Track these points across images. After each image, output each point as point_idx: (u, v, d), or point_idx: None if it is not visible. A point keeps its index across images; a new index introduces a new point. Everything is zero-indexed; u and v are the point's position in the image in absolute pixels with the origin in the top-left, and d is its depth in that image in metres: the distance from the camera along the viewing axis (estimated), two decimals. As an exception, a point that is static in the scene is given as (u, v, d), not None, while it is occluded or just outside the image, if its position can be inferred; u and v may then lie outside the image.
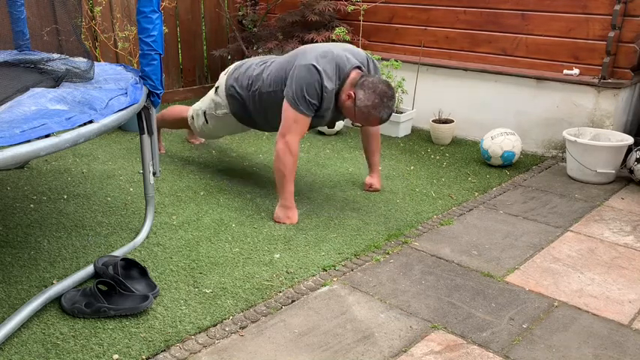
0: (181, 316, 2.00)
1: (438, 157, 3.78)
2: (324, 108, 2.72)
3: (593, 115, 3.64)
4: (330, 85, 2.65)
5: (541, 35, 3.81)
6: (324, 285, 2.24)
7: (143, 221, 2.62)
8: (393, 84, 4.08)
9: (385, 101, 2.64)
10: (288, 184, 2.73)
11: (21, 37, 3.08)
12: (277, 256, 2.44)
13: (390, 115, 2.70)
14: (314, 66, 2.63)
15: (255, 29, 4.90)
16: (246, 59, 3.12)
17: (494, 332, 1.97)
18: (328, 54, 2.68)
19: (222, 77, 3.12)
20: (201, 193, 3.07)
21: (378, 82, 2.64)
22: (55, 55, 2.76)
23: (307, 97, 2.63)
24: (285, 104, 2.69)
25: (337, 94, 2.72)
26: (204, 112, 3.23)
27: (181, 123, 3.51)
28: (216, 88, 3.13)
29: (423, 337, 1.94)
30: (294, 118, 2.67)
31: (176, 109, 3.52)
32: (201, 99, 3.31)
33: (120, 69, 2.73)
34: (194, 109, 3.33)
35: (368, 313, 2.07)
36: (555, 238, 2.69)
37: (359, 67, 2.73)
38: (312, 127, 2.88)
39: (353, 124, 2.83)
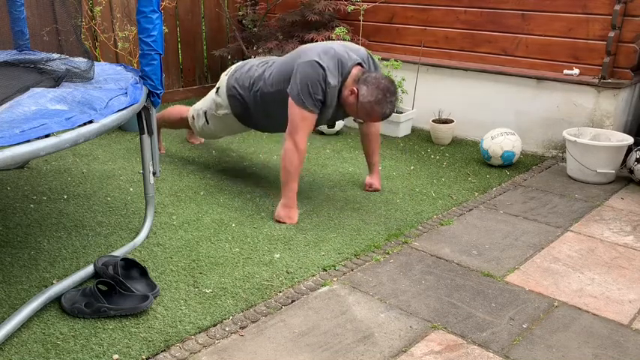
0: (181, 316, 2.00)
1: (438, 157, 3.78)
2: (327, 104, 2.72)
3: (593, 115, 3.64)
4: (333, 81, 2.66)
5: (541, 35, 3.81)
6: (324, 285, 2.24)
7: (143, 221, 2.62)
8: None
9: (388, 96, 2.65)
10: (292, 183, 2.73)
11: (21, 37, 3.08)
12: (277, 256, 2.44)
13: (393, 110, 2.71)
14: (317, 62, 2.64)
15: (255, 29, 4.90)
16: (248, 60, 3.12)
17: (494, 332, 1.97)
18: (330, 51, 2.68)
19: (223, 78, 3.12)
20: (201, 193, 3.07)
21: (380, 77, 2.65)
22: (55, 55, 2.75)
23: (313, 92, 2.63)
24: (291, 102, 2.68)
25: (339, 90, 2.72)
26: (205, 113, 3.23)
27: (182, 123, 3.51)
28: (217, 88, 3.13)
29: (423, 337, 1.94)
30: (301, 115, 2.67)
31: (176, 110, 3.52)
32: (202, 99, 3.31)
33: (120, 69, 2.73)
34: (195, 110, 3.33)
35: (368, 313, 2.07)
36: (555, 238, 2.69)
37: (360, 64, 2.74)
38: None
39: (355, 120, 2.82)
